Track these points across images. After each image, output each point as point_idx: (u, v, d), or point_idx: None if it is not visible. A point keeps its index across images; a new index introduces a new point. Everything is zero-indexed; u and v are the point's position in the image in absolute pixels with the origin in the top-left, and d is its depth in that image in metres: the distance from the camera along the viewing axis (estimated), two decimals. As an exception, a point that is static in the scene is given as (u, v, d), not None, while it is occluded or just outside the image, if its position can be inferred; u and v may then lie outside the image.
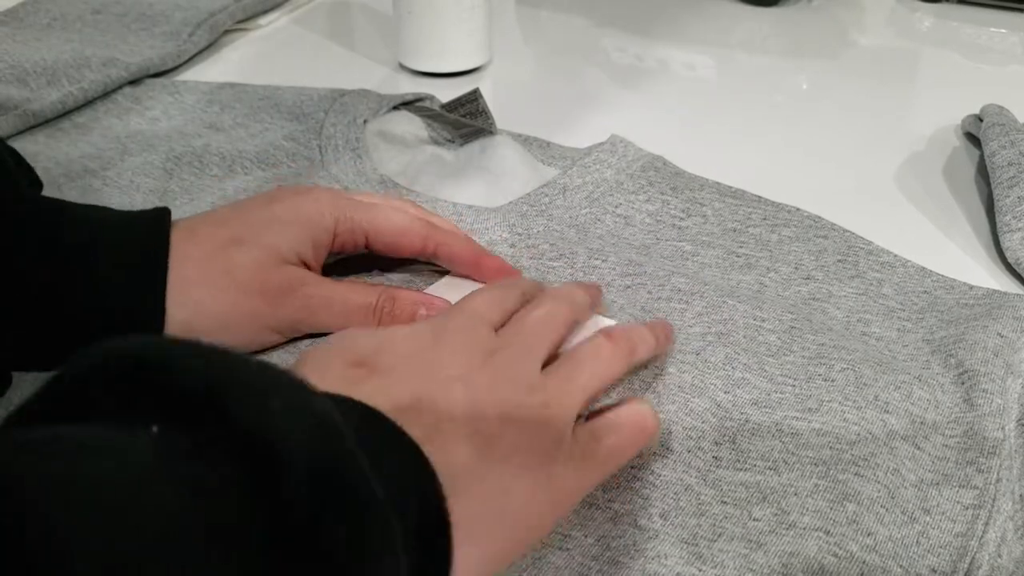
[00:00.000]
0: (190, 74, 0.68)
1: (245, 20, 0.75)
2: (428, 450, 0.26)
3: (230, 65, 0.70)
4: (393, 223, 0.42)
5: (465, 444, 0.29)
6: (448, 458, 0.27)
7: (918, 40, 0.74)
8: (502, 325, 0.34)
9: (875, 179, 0.54)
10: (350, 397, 0.27)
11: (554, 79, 0.68)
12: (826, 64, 0.70)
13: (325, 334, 0.40)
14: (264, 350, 0.40)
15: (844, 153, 0.57)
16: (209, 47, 0.71)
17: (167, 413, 0.20)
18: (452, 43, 0.65)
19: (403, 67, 0.68)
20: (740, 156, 0.56)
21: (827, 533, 0.31)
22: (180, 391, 0.20)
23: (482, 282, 0.43)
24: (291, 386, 0.22)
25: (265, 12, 0.77)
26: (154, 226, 0.38)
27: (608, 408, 0.33)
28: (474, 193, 0.51)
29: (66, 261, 0.36)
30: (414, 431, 0.27)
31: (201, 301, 0.37)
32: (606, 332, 0.35)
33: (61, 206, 0.38)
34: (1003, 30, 0.74)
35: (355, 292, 0.41)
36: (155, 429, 0.20)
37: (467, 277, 0.44)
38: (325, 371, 0.30)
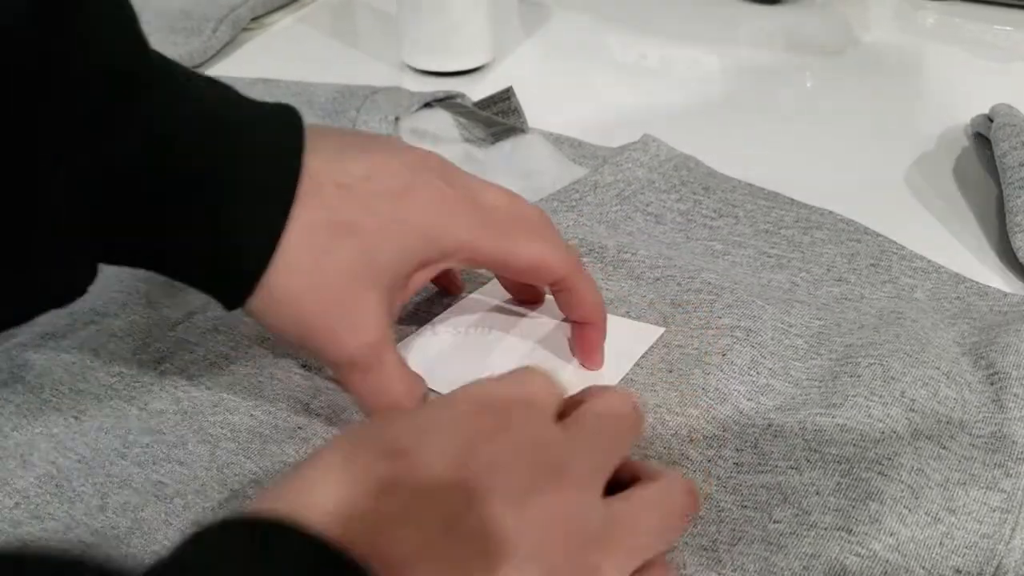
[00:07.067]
0: (204, 72, 0.67)
1: (255, 18, 0.75)
2: None
3: (236, 64, 0.69)
4: (531, 255, 0.35)
5: None
6: None
7: (923, 37, 0.74)
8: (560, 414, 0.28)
9: (882, 178, 0.54)
10: (345, 548, 0.21)
11: (558, 77, 0.68)
12: (830, 61, 0.70)
13: None
14: None
15: (849, 151, 0.57)
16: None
17: None
18: (456, 42, 0.65)
19: (407, 66, 0.67)
20: (743, 154, 0.56)
21: (849, 532, 0.30)
22: None
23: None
24: None
25: (282, 7, 0.77)
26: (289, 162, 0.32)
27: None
28: (505, 191, 0.51)
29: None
30: None
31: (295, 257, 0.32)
32: (684, 489, 0.29)
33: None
34: (1008, 28, 0.74)
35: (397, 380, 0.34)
36: None
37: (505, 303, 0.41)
38: (354, 459, 0.25)
